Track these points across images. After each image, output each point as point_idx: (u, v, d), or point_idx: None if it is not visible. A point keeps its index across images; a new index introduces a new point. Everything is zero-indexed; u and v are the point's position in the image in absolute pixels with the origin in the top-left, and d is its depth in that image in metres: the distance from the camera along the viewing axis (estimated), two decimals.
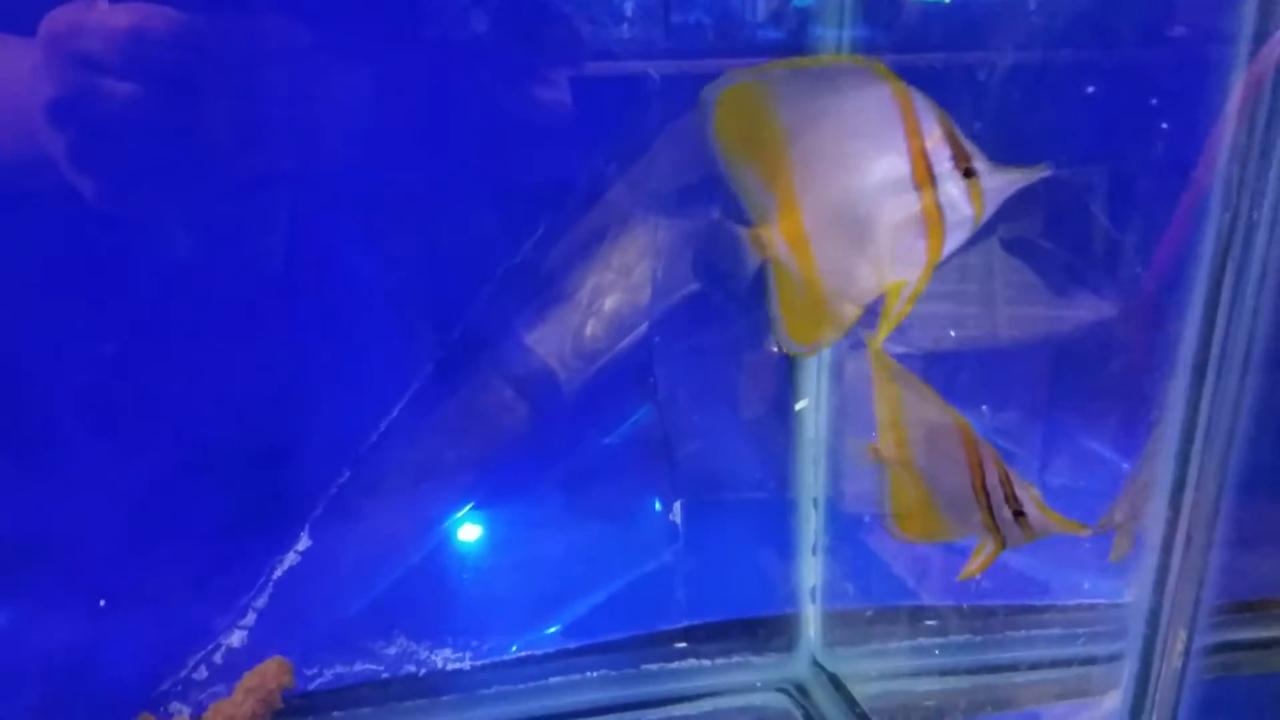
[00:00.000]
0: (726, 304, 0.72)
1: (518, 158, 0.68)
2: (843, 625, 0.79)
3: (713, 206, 0.66)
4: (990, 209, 0.50)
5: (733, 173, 0.53)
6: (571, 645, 0.78)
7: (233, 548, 0.71)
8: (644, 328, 0.74)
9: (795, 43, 0.69)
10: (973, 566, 0.53)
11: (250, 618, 0.70)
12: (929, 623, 0.76)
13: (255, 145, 0.61)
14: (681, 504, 0.78)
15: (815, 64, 0.56)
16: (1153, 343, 0.58)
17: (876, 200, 0.50)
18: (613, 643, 0.78)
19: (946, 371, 0.72)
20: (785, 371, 0.77)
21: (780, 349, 0.60)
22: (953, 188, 0.49)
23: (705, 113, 0.52)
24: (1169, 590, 0.49)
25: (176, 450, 0.68)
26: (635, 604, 0.78)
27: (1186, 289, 0.48)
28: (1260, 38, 0.45)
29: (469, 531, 0.77)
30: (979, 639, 0.75)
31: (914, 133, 0.49)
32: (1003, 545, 0.52)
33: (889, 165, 0.49)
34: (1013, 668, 0.73)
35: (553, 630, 0.78)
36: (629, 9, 0.67)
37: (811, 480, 0.78)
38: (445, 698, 0.74)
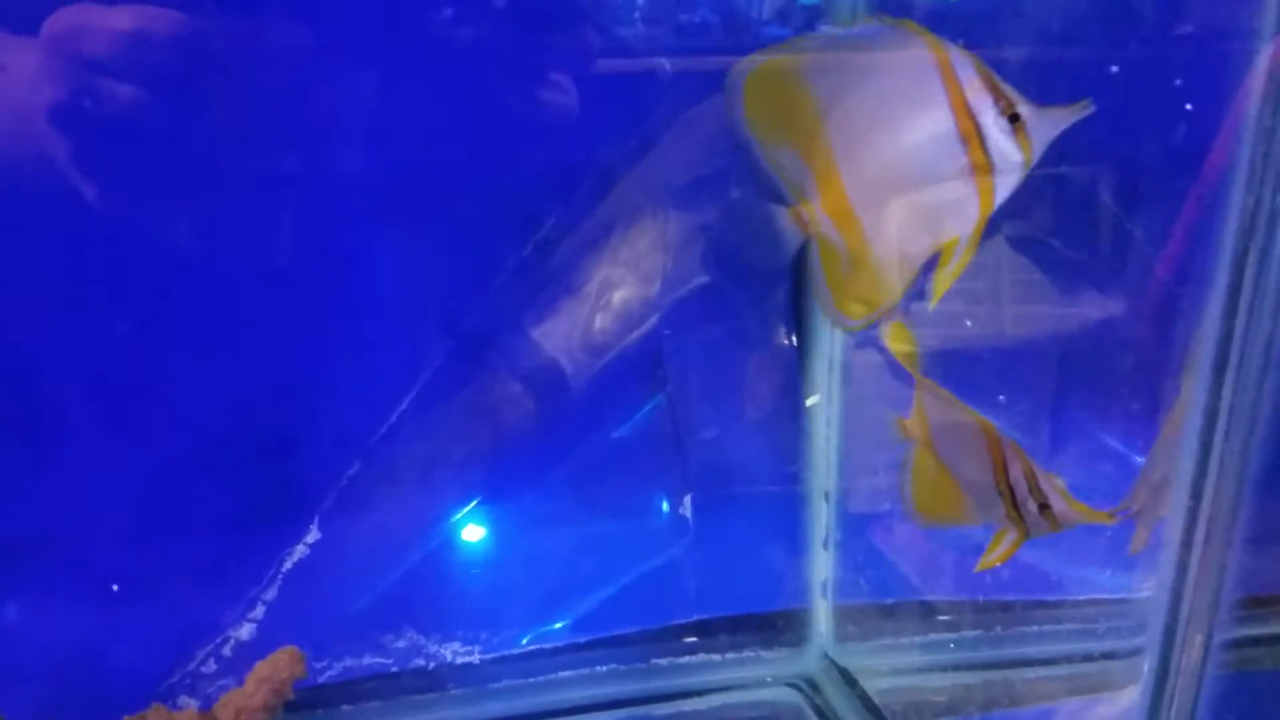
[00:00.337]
0: (741, 295, 0.72)
1: (526, 151, 0.68)
2: (854, 620, 0.79)
3: (725, 197, 0.66)
4: (1038, 152, 0.49)
5: (766, 153, 0.52)
6: (581, 639, 0.77)
7: (241, 540, 0.70)
8: (653, 321, 0.74)
9: None
10: (992, 557, 0.53)
11: (259, 610, 0.70)
12: (942, 617, 0.75)
13: (260, 143, 0.60)
14: (691, 498, 0.78)
15: (844, 27, 0.55)
16: (1167, 335, 0.57)
17: (923, 158, 0.49)
18: (622, 637, 0.78)
19: (959, 370, 0.71)
20: (796, 364, 0.77)
21: (835, 327, 0.60)
22: (1000, 135, 0.49)
23: (734, 95, 0.52)
24: (1189, 586, 0.49)
25: (185, 443, 0.68)
26: (645, 598, 0.78)
27: (1206, 279, 0.47)
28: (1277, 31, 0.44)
29: (478, 525, 0.77)
30: (992, 634, 0.74)
31: (954, 85, 0.48)
32: (1026, 535, 0.52)
33: (933, 121, 0.49)
34: (1026, 663, 0.72)
35: (562, 624, 0.78)
36: (638, 6, 0.67)
37: (823, 474, 0.78)
38: (454, 691, 0.74)
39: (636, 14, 0.67)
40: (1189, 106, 0.60)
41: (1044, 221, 0.70)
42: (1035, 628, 0.74)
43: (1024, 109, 0.49)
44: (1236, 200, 0.45)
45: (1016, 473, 0.51)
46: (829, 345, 0.75)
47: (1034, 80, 0.63)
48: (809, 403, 0.77)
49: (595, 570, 0.78)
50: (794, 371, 0.77)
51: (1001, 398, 0.71)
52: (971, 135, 0.49)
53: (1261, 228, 0.45)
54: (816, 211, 0.52)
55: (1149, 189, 0.66)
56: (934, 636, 0.75)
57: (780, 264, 0.53)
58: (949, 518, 0.58)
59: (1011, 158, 0.49)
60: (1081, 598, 0.72)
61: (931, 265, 0.53)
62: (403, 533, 0.74)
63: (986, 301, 0.72)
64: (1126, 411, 0.70)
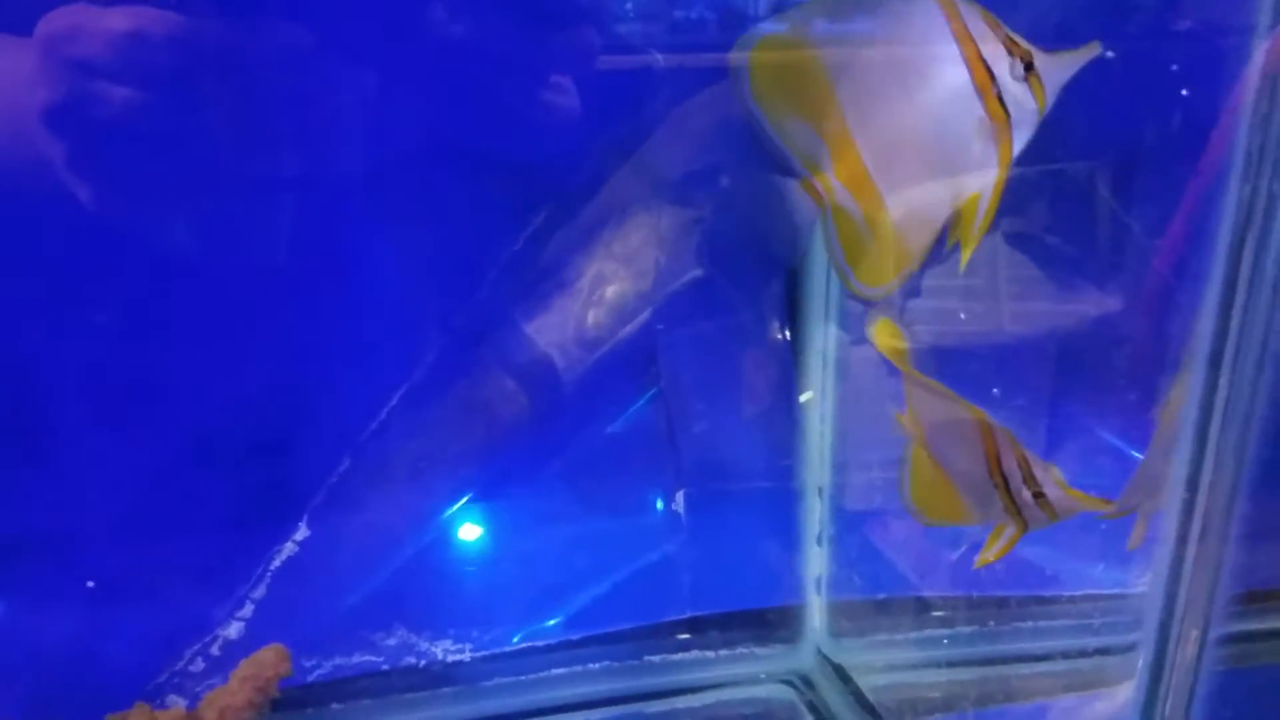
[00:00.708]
0: (735, 290, 0.72)
1: (519, 146, 0.67)
2: (848, 616, 0.79)
3: (723, 187, 0.65)
4: (1052, 98, 0.50)
5: (776, 128, 0.52)
6: (574, 636, 0.77)
7: (231, 538, 0.70)
8: (646, 316, 0.74)
9: None
10: (991, 552, 0.53)
11: (248, 609, 0.70)
12: (936, 613, 0.75)
13: (254, 142, 0.60)
14: (685, 494, 0.77)
15: None
16: (1163, 329, 0.57)
17: (939, 114, 0.49)
18: (615, 634, 0.78)
19: (955, 366, 0.71)
20: (790, 359, 0.77)
21: (855, 297, 0.60)
22: (1014, 84, 0.49)
23: (740, 73, 0.51)
24: (1184, 581, 0.49)
25: (174, 441, 0.68)
26: (638, 595, 0.78)
27: (1202, 271, 0.47)
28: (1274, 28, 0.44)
29: (470, 522, 0.77)
30: (987, 629, 0.74)
31: (965, 38, 0.48)
32: (1024, 528, 0.51)
33: (947, 76, 0.49)
34: (1021, 659, 0.72)
35: (555, 621, 0.78)
36: (632, 2, 0.67)
37: (817, 469, 0.77)
38: (446, 689, 0.74)
39: (630, 9, 0.67)
40: (1185, 98, 0.60)
41: (1040, 217, 0.70)
42: (1030, 623, 0.74)
43: (1036, 57, 0.49)
44: (1233, 190, 0.45)
45: (1010, 462, 0.51)
46: (823, 340, 0.75)
47: None
48: (803, 398, 0.77)
49: (588, 566, 0.78)
50: (788, 367, 0.77)
51: (997, 393, 0.70)
52: (987, 87, 0.49)
53: (1258, 217, 0.44)
54: (831, 181, 0.51)
55: (1145, 184, 0.66)
56: (928, 632, 0.75)
57: (798, 243, 0.53)
58: (947, 515, 0.58)
59: (1027, 105, 0.49)
60: (1077, 593, 0.72)
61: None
62: (394, 530, 0.74)
63: (983, 297, 0.72)
64: (1124, 406, 0.69)
